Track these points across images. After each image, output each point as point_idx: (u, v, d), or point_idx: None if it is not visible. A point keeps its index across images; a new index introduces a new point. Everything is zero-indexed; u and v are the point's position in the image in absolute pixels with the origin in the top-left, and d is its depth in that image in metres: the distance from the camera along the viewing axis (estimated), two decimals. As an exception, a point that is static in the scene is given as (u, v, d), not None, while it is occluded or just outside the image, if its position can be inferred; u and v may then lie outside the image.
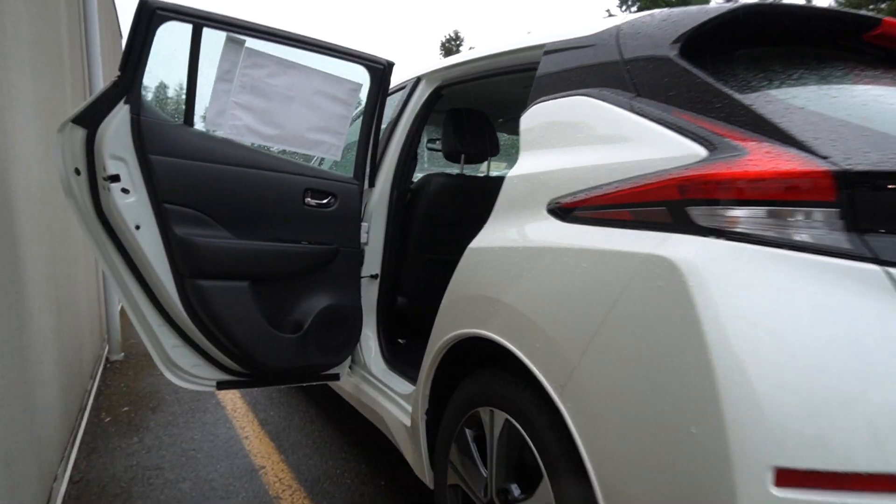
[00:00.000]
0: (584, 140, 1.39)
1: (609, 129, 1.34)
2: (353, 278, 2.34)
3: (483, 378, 1.61)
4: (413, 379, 2.28)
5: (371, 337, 2.54)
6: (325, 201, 2.23)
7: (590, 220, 1.28)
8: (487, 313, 1.49)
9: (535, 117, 1.58)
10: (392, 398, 2.27)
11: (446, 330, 1.70)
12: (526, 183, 1.49)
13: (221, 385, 2.15)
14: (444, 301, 1.74)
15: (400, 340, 2.86)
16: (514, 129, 3.73)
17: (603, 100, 1.40)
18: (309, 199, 2.18)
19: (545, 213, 1.41)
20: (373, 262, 2.51)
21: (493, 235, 1.55)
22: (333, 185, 2.24)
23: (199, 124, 1.97)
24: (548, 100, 1.56)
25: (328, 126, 2.23)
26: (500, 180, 2.81)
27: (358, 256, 2.34)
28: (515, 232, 1.46)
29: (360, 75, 2.23)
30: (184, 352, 2.06)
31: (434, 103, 2.50)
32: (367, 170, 2.39)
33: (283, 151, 2.20)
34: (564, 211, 1.35)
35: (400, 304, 2.76)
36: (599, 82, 1.45)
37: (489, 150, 2.67)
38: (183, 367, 2.06)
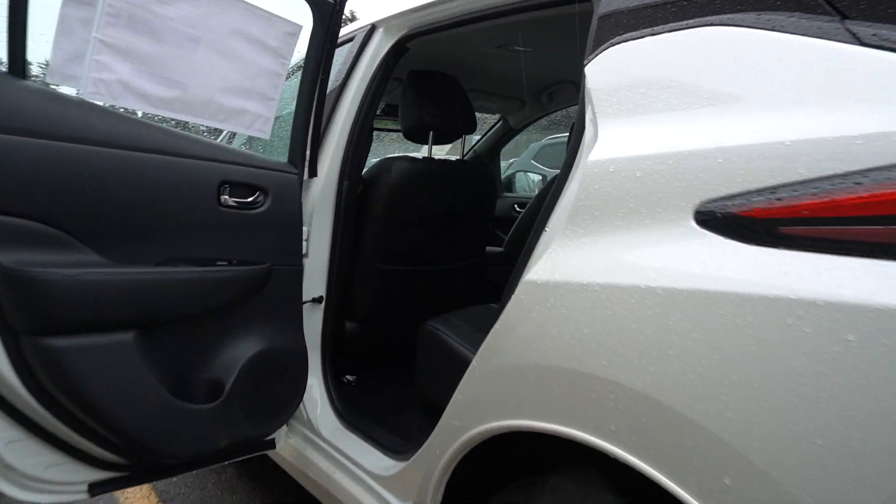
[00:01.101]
0: (759, 97, 0.80)
1: (811, 78, 0.76)
2: (294, 309, 1.63)
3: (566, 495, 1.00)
4: (383, 445, 1.63)
5: (316, 385, 1.84)
6: (250, 199, 1.50)
7: (819, 245, 0.70)
8: (587, 404, 0.88)
9: (631, 65, 0.97)
10: (356, 475, 1.60)
11: (479, 417, 1.08)
12: (638, 173, 0.88)
13: (96, 489, 1.38)
14: (474, 369, 1.11)
15: (348, 378, 2.18)
16: (488, 108, 3.11)
17: (779, 29, 0.81)
18: (226, 198, 1.45)
19: (693, 224, 0.81)
20: (316, 280, 1.82)
21: (579, 261, 0.93)
22: (262, 176, 1.52)
23: (38, 77, 1.18)
24: (653, 35, 0.95)
25: (253, 87, 1.50)
26: (479, 167, 2.19)
27: (299, 276, 1.64)
28: (634, 258, 0.85)
29: (300, 14, 1.51)
30: (27, 448, 1.28)
31: (396, 60, 1.83)
32: (308, 153, 1.68)
33: (185, 125, 1.45)
34: (749, 224, 0.75)
35: (349, 330, 2.08)
36: (755, 3, 0.86)
37: (462, 125, 2.03)
38: (27, 471, 1.28)
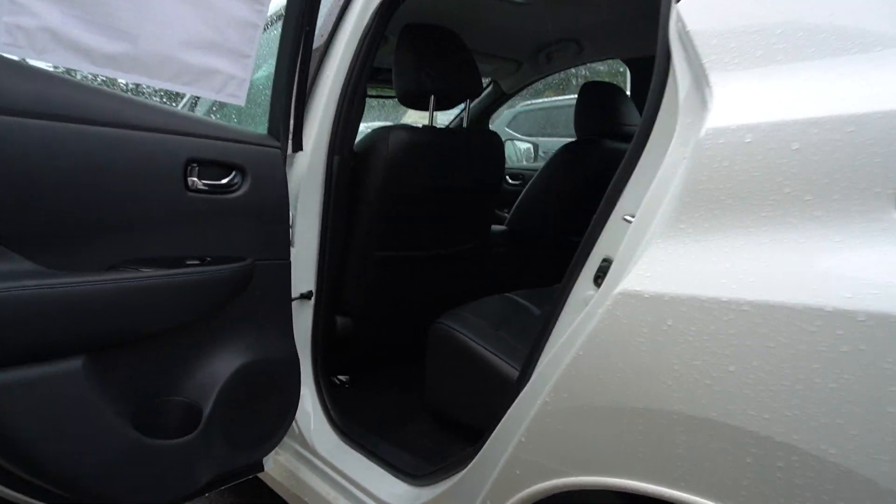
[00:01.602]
0: None
1: None
2: (282, 311, 1.37)
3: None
4: (393, 467, 1.39)
5: (308, 394, 1.59)
6: (224, 181, 1.22)
7: None
8: (733, 468, 0.64)
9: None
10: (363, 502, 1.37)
11: (552, 468, 0.84)
12: (796, 144, 0.63)
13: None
14: (545, 408, 0.87)
15: (340, 378, 1.92)
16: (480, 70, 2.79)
17: None
18: (194, 180, 1.17)
19: None
20: (303, 273, 1.55)
21: (711, 268, 0.68)
22: (238, 152, 1.24)
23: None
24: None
25: (223, 41, 1.20)
26: (488, 136, 1.92)
27: (287, 272, 1.36)
28: (804, 266, 0.61)
29: (279, -54, 1.21)
30: None
31: (392, 10, 1.54)
32: (293, 123, 1.39)
33: (137, 88, 1.15)
34: None
35: (340, 327, 1.82)
36: None
37: (468, 87, 1.76)
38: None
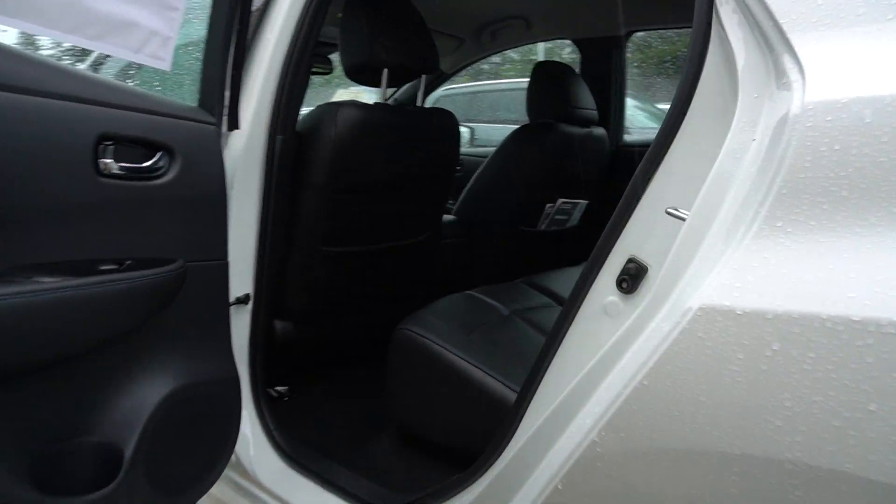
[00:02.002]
0: None
1: None
2: (219, 321, 1.14)
3: None
4: (355, 497, 1.21)
5: (246, 415, 1.36)
6: (147, 164, 0.98)
7: None
8: None
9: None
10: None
11: None
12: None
13: None
14: (593, 448, 0.71)
15: (277, 390, 1.69)
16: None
17: None
18: (109, 162, 0.92)
19: None
20: (239, 273, 1.31)
21: (825, 277, 0.54)
22: (165, 128, 1.00)
23: None
24: None
25: (144, -14, 0.95)
26: (444, 117, 1.73)
27: (224, 274, 1.14)
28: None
29: None
30: None
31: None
32: (228, 95, 1.15)
33: (29, 40, 0.89)
34: None
35: (279, 332, 1.60)
36: None
37: (424, 60, 1.57)
38: None
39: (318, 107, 1.49)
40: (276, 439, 1.36)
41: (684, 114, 0.77)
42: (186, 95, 1.15)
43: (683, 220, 0.72)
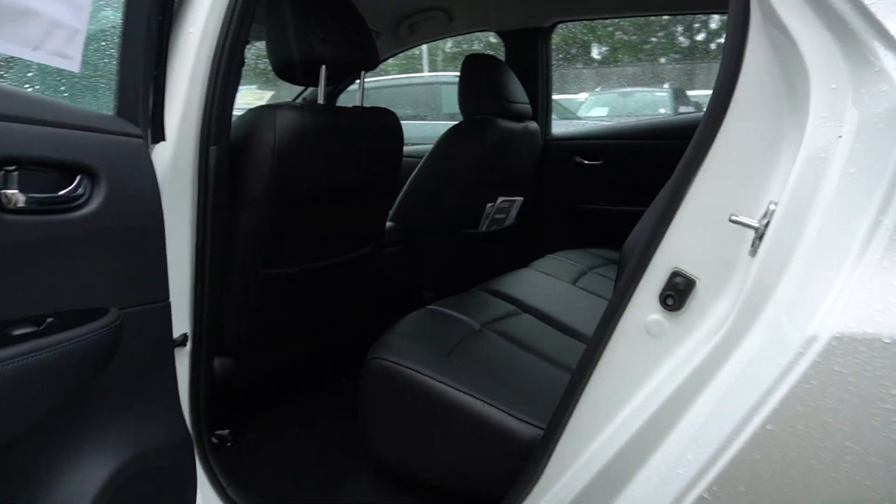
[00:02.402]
0: None
1: None
2: (164, 374, 0.94)
3: None
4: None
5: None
6: (63, 192, 0.77)
7: None
8: None
9: None
10: None
11: None
12: None
13: None
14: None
15: (219, 434, 1.48)
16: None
17: None
18: (13, 193, 0.71)
19: None
20: (175, 310, 1.11)
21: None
22: (83, 145, 0.79)
23: None
24: None
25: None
26: (386, 117, 1.57)
27: (167, 317, 0.94)
28: None
29: None
30: None
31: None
32: (152, 101, 0.95)
33: None
34: None
35: (218, 371, 1.39)
36: None
37: (365, 55, 1.42)
38: None
39: (250, 111, 1.30)
40: (231, 499, 1.18)
41: (725, 109, 0.69)
42: (101, 103, 0.93)
43: (754, 228, 0.64)
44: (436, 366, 1.12)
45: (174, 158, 1.07)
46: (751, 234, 0.66)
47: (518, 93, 2.04)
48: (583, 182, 2.37)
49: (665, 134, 2.23)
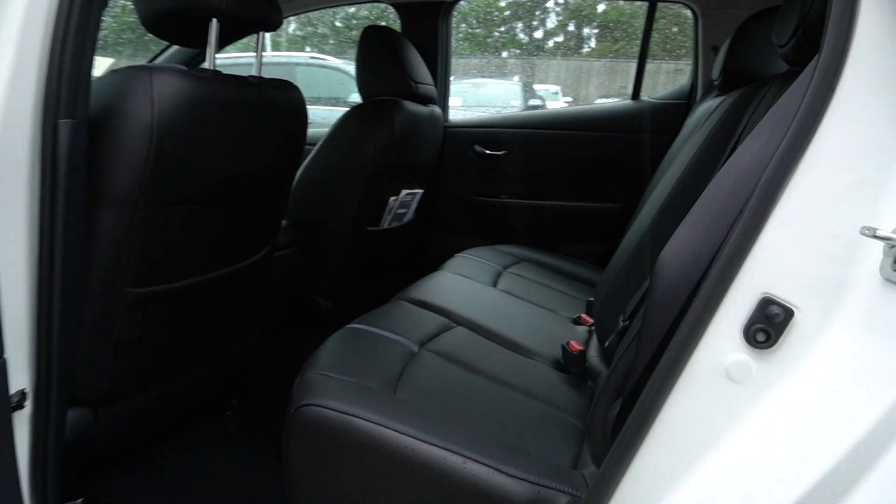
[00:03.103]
0: None
1: None
2: (3, 452, 0.61)
3: None
4: None
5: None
6: None
7: None
8: None
9: None
10: None
11: None
12: None
13: None
14: None
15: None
16: None
17: None
18: None
19: None
20: (10, 353, 0.76)
21: None
22: None
23: None
24: None
25: None
26: (288, 91, 1.25)
27: (2, 383, 0.61)
28: None
29: None
30: None
31: None
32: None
33: None
34: None
35: (72, 427, 1.02)
36: None
37: (269, 11, 1.12)
38: None
39: (111, 74, 0.94)
40: None
41: (832, 90, 0.54)
42: None
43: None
44: (386, 408, 0.87)
45: (1, 138, 0.72)
46: (877, 248, 0.52)
47: (423, 72, 1.82)
48: (483, 173, 2.21)
49: (576, 124, 2.13)
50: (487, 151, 2.18)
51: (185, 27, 1.03)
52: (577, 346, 1.23)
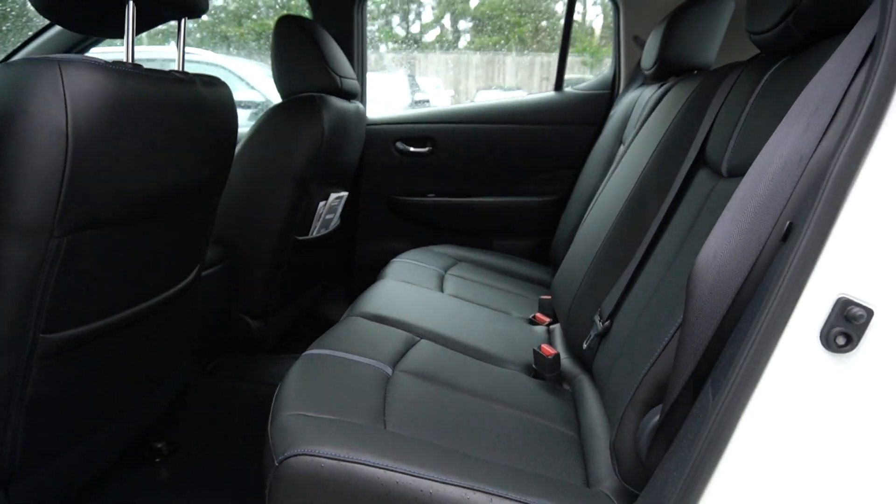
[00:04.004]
0: None
1: None
2: None
3: None
4: None
5: None
6: None
7: None
8: None
9: None
10: None
11: None
12: None
13: None
14: None
15: None
16: None
17: None
18: None
19: None
20: None
21: None
22: None
23: None
24: None
25: None
26: (217, 88, 1.08)
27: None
28: None
29: None
30: None
31: None
32: None
33: None
34: None
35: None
36: None
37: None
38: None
39: (6, 67, 0.75)
40: None
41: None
42: None
43: None
44: (386, 447, 0.77)
45: None
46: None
47: (346, 66, 1.69)
48: (407, 172, 2.11)
49: (501, 117, 2.08)
50: (411, 149, 2.08)
51: (93, 11, 0.85)
52: (550, 350, 1.18)
